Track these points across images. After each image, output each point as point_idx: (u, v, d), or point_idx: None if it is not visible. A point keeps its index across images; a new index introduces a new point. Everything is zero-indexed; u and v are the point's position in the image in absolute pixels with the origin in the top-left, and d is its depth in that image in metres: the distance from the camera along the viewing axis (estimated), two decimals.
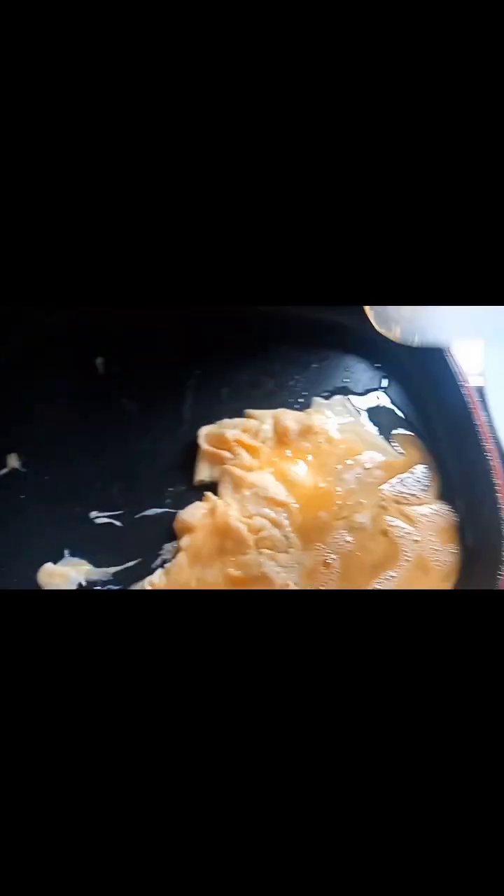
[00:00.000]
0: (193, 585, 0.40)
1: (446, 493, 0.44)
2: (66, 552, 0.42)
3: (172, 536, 0.43)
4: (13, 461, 0.45)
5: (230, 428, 0.46)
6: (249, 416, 0.47)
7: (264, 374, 0.50)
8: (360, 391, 0.49)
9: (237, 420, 0.47)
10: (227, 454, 0.44)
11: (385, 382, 0.50)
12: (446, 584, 0.40)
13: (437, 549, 0.41)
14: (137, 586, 0.40)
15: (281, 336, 0.51)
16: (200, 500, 0.44)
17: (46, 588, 0.40)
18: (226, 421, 0.47)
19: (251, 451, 0.44)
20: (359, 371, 0.50)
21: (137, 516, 0.43)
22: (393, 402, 0.49)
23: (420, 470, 0.45)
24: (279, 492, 0.43)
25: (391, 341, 0.38)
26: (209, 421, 0.47)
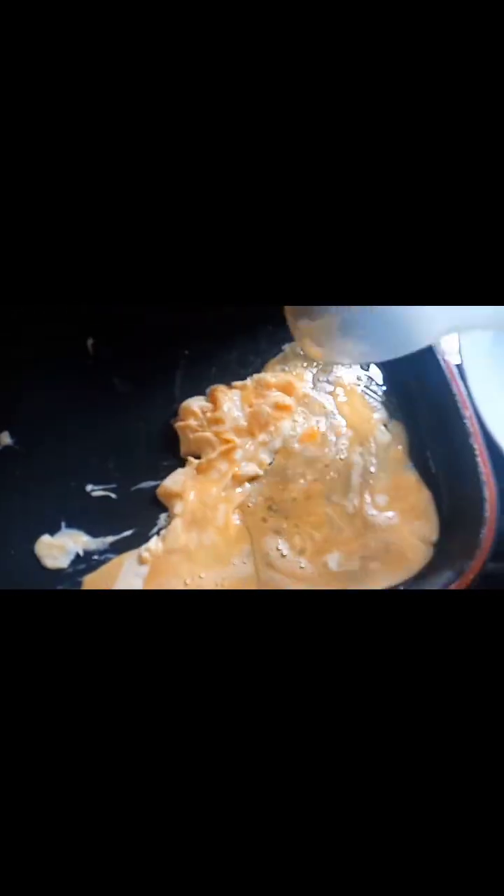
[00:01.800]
0: (190, 548, 0.41)
1: (423, 462, 0.47)
2: (63, 524, 0.43)
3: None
4: (5, 439, 0.45)
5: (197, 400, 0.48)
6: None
7: (251, 353, 0.52)
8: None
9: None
10: (193, 422, 0.46)
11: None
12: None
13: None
14: (134, 553, 0.41)
15: (266, 317, 0.53)
16: None
17: (44, 559, 0.41)
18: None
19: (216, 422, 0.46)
20: None
21: (133, 489, 0.45)
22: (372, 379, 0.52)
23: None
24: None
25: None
26: None
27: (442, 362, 0.47)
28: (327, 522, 0.42)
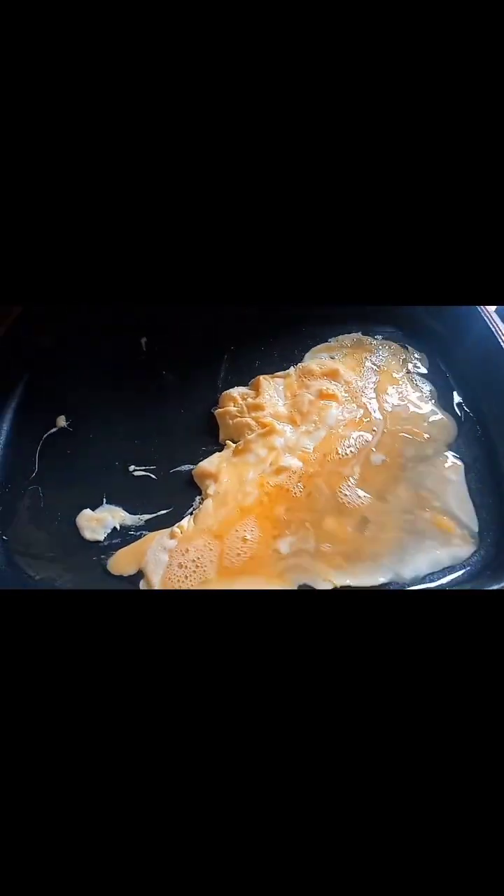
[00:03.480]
0: (216, 529, 0.41)
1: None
2: (104, 500, 0.45)
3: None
4: (61, 422, 0.49)
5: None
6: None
7: (295, 348, 0.53)
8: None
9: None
10: (233, 408, 0.46)
11: (415, 356, 0.51)
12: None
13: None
14: (166, 531, 0.42)
15: (308, 316, 0.54)
16: None
17: (84, 531, 0.43)
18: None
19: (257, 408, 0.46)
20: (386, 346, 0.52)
21: (172, 471, 0.46)
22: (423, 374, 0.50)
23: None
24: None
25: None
26: None
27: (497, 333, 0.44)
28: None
